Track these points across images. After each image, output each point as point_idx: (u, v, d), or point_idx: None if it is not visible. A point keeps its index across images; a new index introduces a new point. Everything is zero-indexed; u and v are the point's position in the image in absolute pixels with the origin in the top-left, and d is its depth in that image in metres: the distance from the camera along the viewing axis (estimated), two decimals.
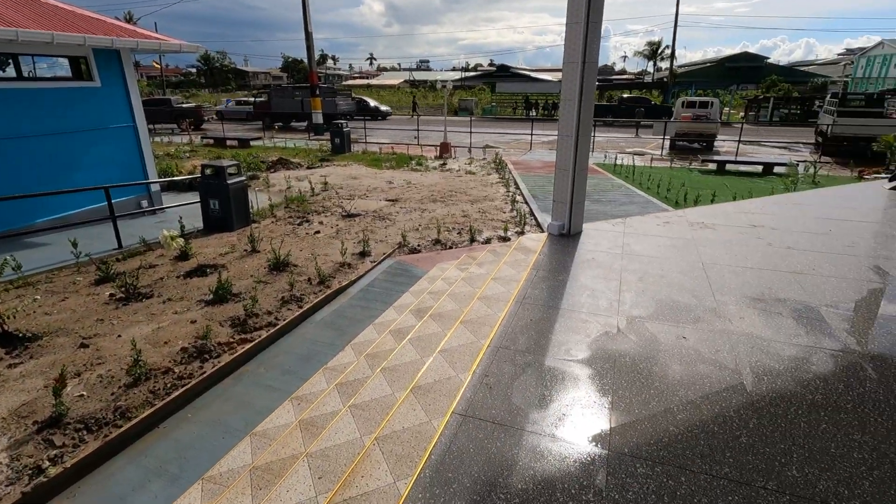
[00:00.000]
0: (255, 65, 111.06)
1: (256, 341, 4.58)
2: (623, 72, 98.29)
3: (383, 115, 33.57)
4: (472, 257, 6.26)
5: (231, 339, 4.63)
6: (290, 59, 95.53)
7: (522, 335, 3.76)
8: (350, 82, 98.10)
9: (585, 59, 5.35)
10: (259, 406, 3.83)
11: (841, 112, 16.88)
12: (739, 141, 17.60)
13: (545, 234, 6.54)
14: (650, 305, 4.22)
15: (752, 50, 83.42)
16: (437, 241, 7.65)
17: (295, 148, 19.26)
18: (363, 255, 7.07)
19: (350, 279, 6.16)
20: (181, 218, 7.86)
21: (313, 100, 24.07)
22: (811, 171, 12.60)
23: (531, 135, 19.31)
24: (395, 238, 7.83)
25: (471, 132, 21.24)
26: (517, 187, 11.90)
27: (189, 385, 3.90)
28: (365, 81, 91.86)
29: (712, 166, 14.35)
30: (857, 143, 16.92)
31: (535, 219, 8.96)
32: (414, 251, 7.30)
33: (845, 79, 61.16)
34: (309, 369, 4.24)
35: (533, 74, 47.96)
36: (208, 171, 8.42)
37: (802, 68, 69.32)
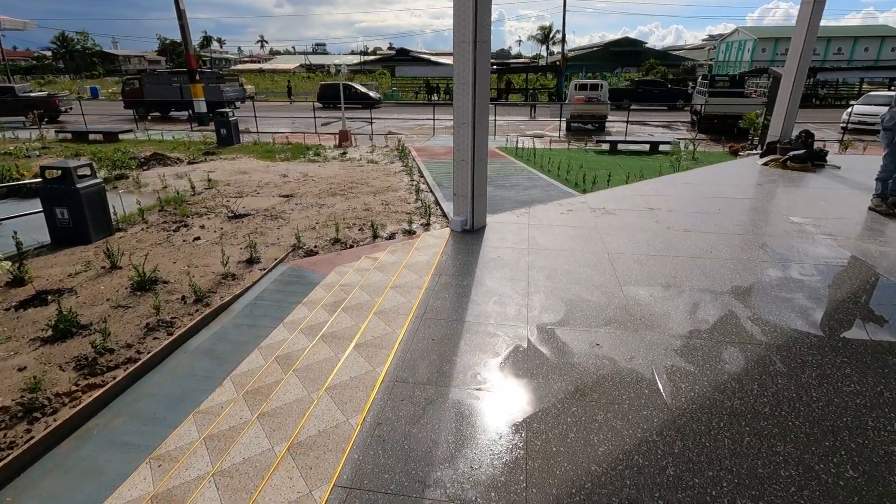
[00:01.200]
0: (127, 48, 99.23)
1: (109, 385, 3.74)
2: (519, 56, 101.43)
3: (373, 103, 29.66)
4: (374, 258, 5.75)
5: (74, 387, 3.74)
6: (167, 42, 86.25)
7: (423, 360, 3.33)
8: (239, 67, 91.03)
9: (477, 39, 4.98)
10: (112, 472, 3.07)
11: (711, 93, 18.47)
12: (627, 121, 18.64)
13: (448, 230, 6.16)
14: (560, 308, 4.01)
15: (632, 35, 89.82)
16: (337, 241, 7.03)
17: (174, 141, 17.20)
18: (251, 262, 6.26)
19: (234, 293, 5.38)
20: (16, 233, 6.44)
21: (193, 86, 21.70)
22: (691, 148, 13.59)
23: (433, 120, 18.97)
24: (290, 239, 7.08)
25: (371, 119, 20.43)
26: (421, 175, 11.50)
27: (8, 459, 3.03)
28: (257, 66, 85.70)
29: (605, 147, 15.00)
30: (724, 120, 18.66)
31: (441, 208, 8.62)
32: (310, 253, 6.62)
33: (710, 62, 68.16)
34: (179, 414, 3.52)
35: (433, 58, 47.66)
36: (52, 174, 7.02)
37: (674, 52, 76.09)
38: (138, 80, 25.48)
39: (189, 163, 13.51)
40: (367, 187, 10.32)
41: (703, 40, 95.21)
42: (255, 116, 20.51)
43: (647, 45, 67.53)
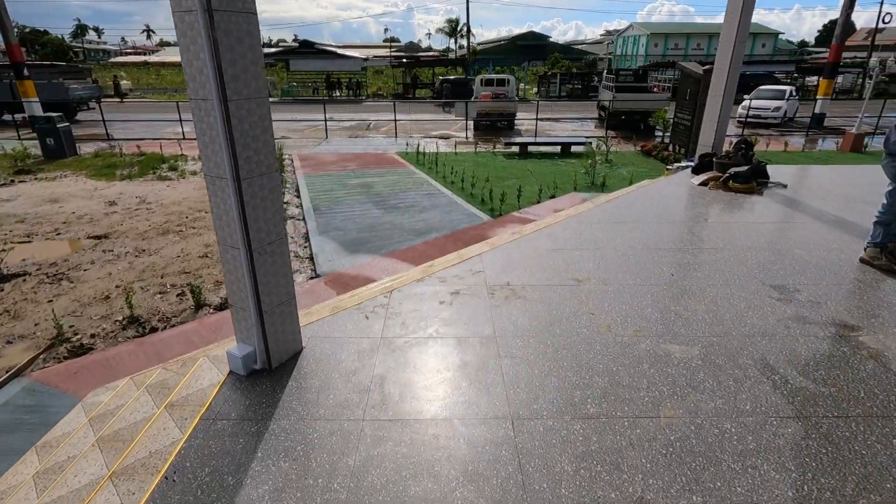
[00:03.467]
0: None
1: None
2: (430, 49, 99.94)
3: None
4: (170, 370, 3.61)
5: None
6: (26, 30, 74.28)
7: None
8: (120, 59, 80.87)
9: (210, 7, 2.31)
10: None
11: (619, 87, 17.86)
12: (537, 119, 17.55)
13: (226, 373, 3.18)
14: None
15: (536, 29, 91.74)
16: (134, 320, 4.75)
17: None
18: None
19: None
20: None
21: (21, 83, 17.49)
22: (603, 148, 12.60)
23: (325, 121, 16.65)
24: (63, 322, 4.71)
25: None
26: (297, 194, 9.31)
27: None
28: (142, 58, 76.55)
29: (515, 149, 13.65)
30: (631, 116, 18.19)
31: (309, 246, 6.58)
32: (78, 352, 4.30)
33: (609, 56, 71.01)
34: None
35: (339, 51, 44.44)
36: None
37: (576, 46, 78.59)
38: None
39: None
40: None
41: (601, 35, 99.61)
42: (124, 119, 16.91)
43: (551, 40, 68.89)
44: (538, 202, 8.54)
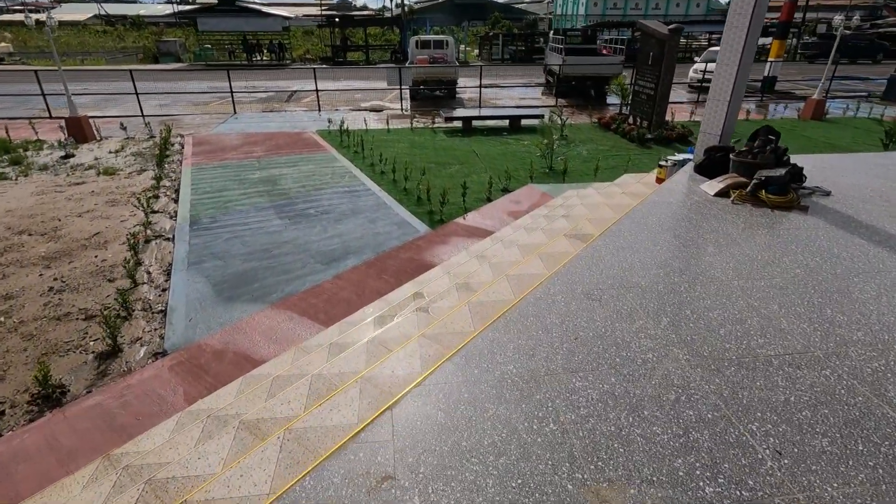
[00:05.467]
0: None
1: None
2: (365, 8, 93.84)
3: None
4: None
5: None
6: None
7: None
8: (5, 17, 69.80)
9: None
10: None
11: (569, 50, 16.18)
12: (481, 86, 15.63)
13: None
14: None
15: None
16: None
17: None
18: None
19: None
20: None
21: None
22: (557, 120, 10.99)
23: (231, 93, 13.92)
24: None
25: (158, 93, 14.57)
26: (175, 198, 7.07)
27: None
28: (35, 16, 66.33)
29: (458, 124, 11.77)
30: (583, 82, 16.65)
31: (169, 289, 4.56)
32: None
33: (549, 16, 69.09)
34: None
35: (263, 8, 39.78)
36: None
37: (516, 6, 76.01)
38: None
39: None
40: (51, 241, 5.68)
41: None
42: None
43: None
44: (488, 199, 6.83)
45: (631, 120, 11.27)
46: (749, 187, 3.84)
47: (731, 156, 4.27)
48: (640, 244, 3.69)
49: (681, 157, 4.99)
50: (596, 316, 2.82)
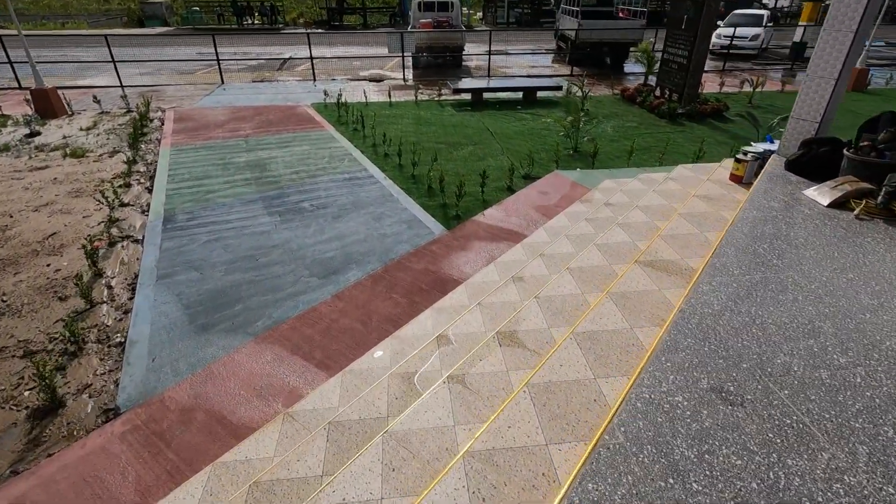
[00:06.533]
0: None
1: None
2: None
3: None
4: None
5: None
6: None
7: None
8: None
9: None
10: None
11: (585, 13, 14.86)
12: (490, 53, 14.39)
13: None
14: None
15: None
16: None
17: None
18: None
19: None
20: None
21: None
22: (577, 92, 9.92)
23: (217, 60, 12.70)
24: None
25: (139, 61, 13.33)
26: (149, 187, 6.15)
27: None
28: None
29: (467, 96, 10.70)
30: (599, 49, 15.40)
31: (131, 313, 3.72)
32: None
33: None
34: None
35: None
36: None
37: None
38: None
39: None
40: None
41: None
42: None
43: None
44: (509, 189, 5.92)
45: (658, 92, 10.21)
46: (880, 196, 2.95)
47: (845, 152, 3.35)
48: (766, 291, 2.46)
49: (760, 147, 4.06)
50: (746, 437, 1.68)
